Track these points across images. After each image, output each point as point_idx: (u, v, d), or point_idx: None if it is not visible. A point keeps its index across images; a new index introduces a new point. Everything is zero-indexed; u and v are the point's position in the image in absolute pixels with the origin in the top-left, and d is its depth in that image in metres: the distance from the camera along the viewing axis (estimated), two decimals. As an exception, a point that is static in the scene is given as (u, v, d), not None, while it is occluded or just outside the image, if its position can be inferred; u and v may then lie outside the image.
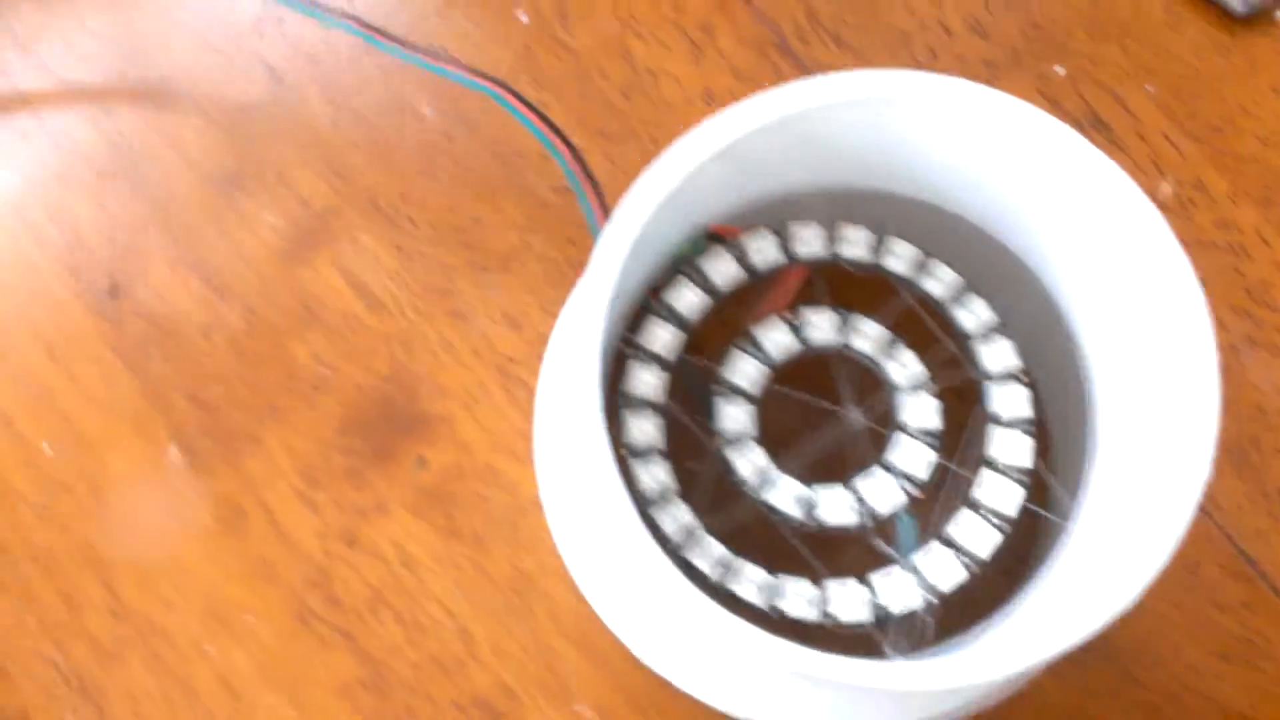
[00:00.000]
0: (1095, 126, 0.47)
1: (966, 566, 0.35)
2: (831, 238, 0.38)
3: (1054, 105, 0.48)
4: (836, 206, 0.38)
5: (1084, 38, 0.48)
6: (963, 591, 0.36)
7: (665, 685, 0.41)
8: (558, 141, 0.40)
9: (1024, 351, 0.36)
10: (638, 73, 0.48)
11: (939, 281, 0.37)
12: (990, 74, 0.46)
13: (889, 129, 0.35)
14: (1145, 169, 0.47)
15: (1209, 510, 0.43)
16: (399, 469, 0.45)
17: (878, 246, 0.38)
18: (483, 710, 0.42)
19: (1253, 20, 0.48)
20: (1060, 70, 0.48)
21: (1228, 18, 0.48)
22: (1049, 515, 0.36)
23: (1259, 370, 0.44)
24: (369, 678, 0.43)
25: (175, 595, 0.44)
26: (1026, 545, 0.38)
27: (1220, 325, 0.43)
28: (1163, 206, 0.43)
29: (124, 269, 0.48)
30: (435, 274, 0.47)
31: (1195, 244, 0.45)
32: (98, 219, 0.48)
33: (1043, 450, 0.40)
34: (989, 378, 0.36)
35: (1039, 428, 0.36)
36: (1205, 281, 0.43)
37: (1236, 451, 0.43)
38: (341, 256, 0.47)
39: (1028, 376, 0.36)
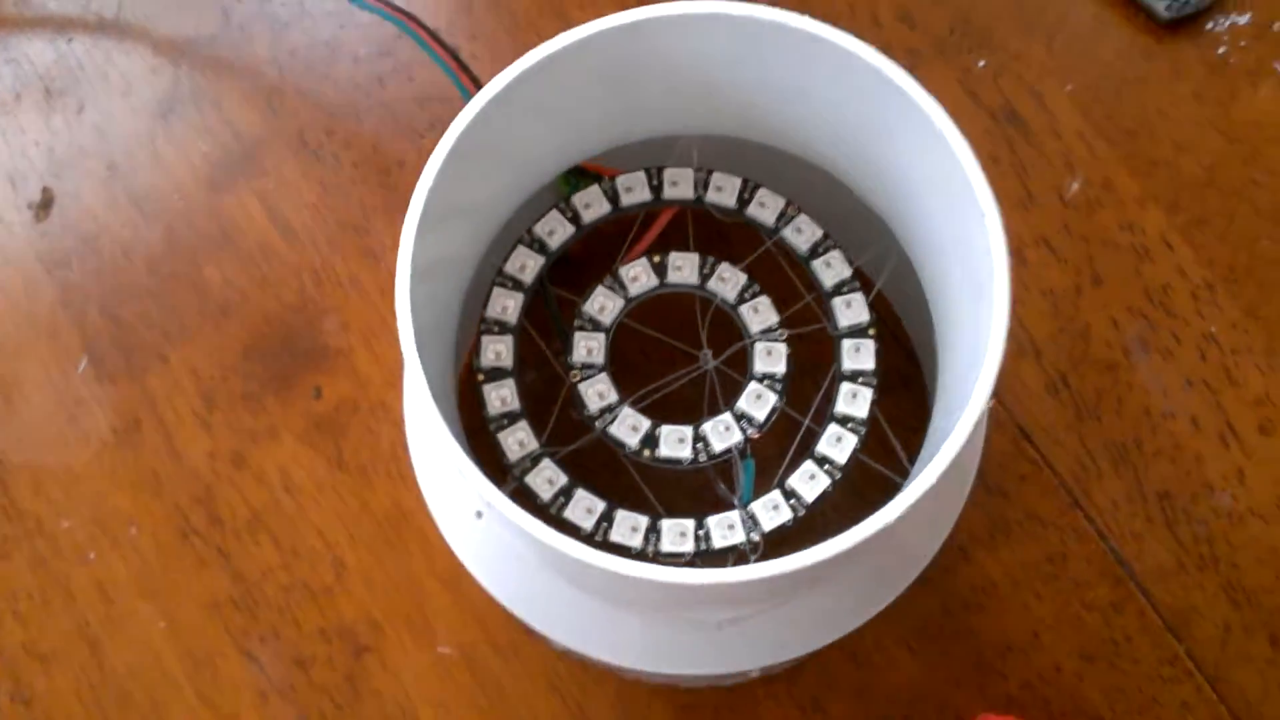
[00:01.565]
0: (1010, 120, 0.46)
1: (794, 509, 0.33)
2: (704, 184, 0.36)
3: (972, 96, 0.46)
4: (718, 156, 0.37)
5: (1010, 34, 0.47)
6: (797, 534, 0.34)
7: (526, 629, 0.40)
8: (466, 80, 0.39)
9: (892, 305, 0.35)
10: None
11: (801, 234, 0.36)
12: (912, 61, 0.44)
13: (736, 69, 0.33)
14: (1056, 165, 0.45)
15: (1083, 506, 0.41)
16: (295, 397, 0.44)
17: (746, 196, 0.36)
18: (346, 641, 0.41)
19: (1178, 27, 0.46)
20: (982, 64, 0.46)
21: (1154, 24, 0.46)
22: (879, 467, 0.35)
23: (1149, 373, 0.43)
24: (240, 597, 0.42)
25: (65, 500, 0.43)
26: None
27: (1114, 325, 0.42)
28: (1069, 204, 0.42)
29: (59, 183, 0.47)
30: (354, 211, 0.46)
31: (1098, 242, 0.43)
32: (41, 133, 0.47)
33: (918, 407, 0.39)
34: (840, 332, 0.35)
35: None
36: (1103, 280, 0.42)
37: (1118, 451, 0.42)
38: (265, 187, 0.46)
39: (876, 331, 0.35)
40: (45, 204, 0.46)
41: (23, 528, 0.43)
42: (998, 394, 0.43)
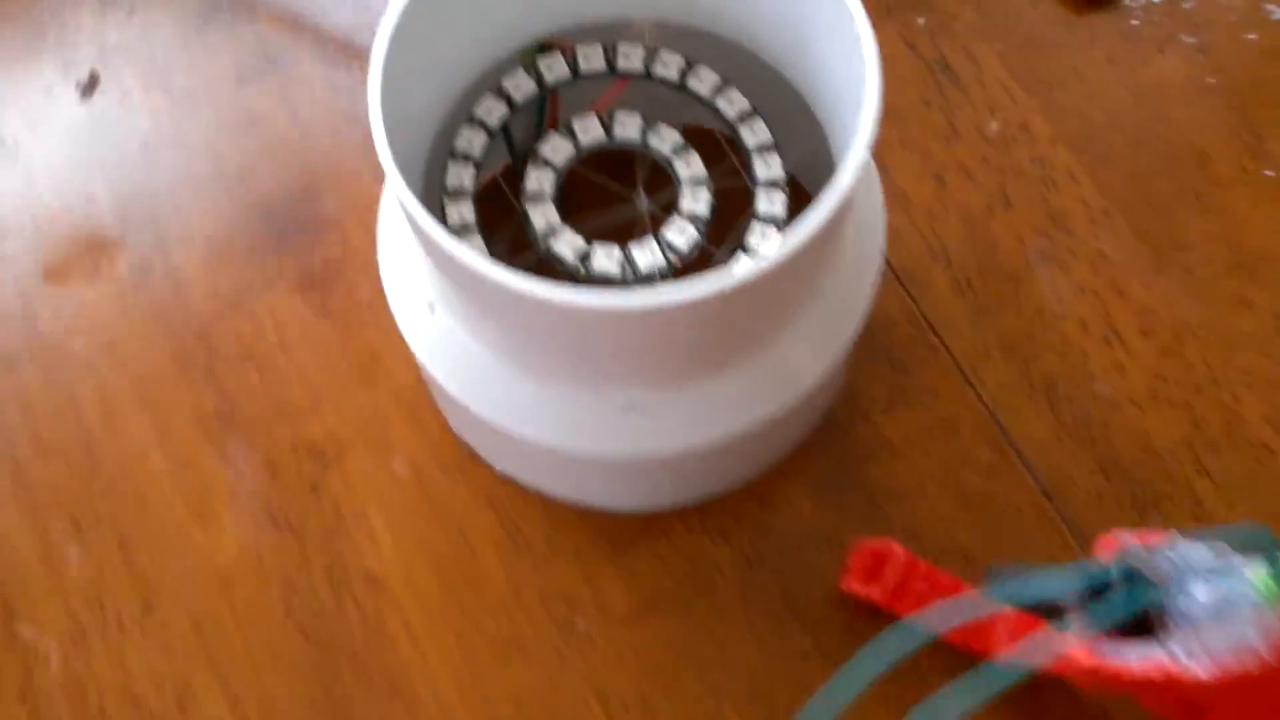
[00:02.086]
0: (942, 70, 0.51)
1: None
2: (651, 59, 0.42)
3: (910, 48, 0.52)
4: (666, 38, 0.42)
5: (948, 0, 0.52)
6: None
7: (473, 454, 0.44)
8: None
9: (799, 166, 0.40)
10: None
11: (731, 104, 0.41)
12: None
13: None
14: (979, 109, 0.50)
15: (974, 384, 0.46)
16: (290, 254, 0.49)
17: (686, 71, 0.42)
18: (311, 453, 0.46)
19: (1099, 3, 0.52)
20: (921, 22, 0.52)
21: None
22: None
23: (1046, 280, 0.47)
24: (224, 412, 0.47)
25: (81, 322, 0.48)
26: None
27: (1019, 241, 0.47)
28: (988, 140, 0.48)
29: (105, 70, 0.53)
30: (359, 108, 0.51)
31: (1011, 173, 0.48)
32: (94, 30, 0.54)
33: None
34: (757, 183, 0.40)
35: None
36: (1013, 204, 0.47)
37: (1011, 343, 0.46)
38: (285, 86, 0.52)
39: (789, 186, 0.40)
40: (91, 85, 0.53)
41: (39, 344, 0.48)
42: (909, 291, 0.48)
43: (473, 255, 0.33)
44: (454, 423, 0.46)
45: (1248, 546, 0.33)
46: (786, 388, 0.39)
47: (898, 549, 0.41)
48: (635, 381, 0.38)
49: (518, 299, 0.32)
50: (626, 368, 0.37)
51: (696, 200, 0.40)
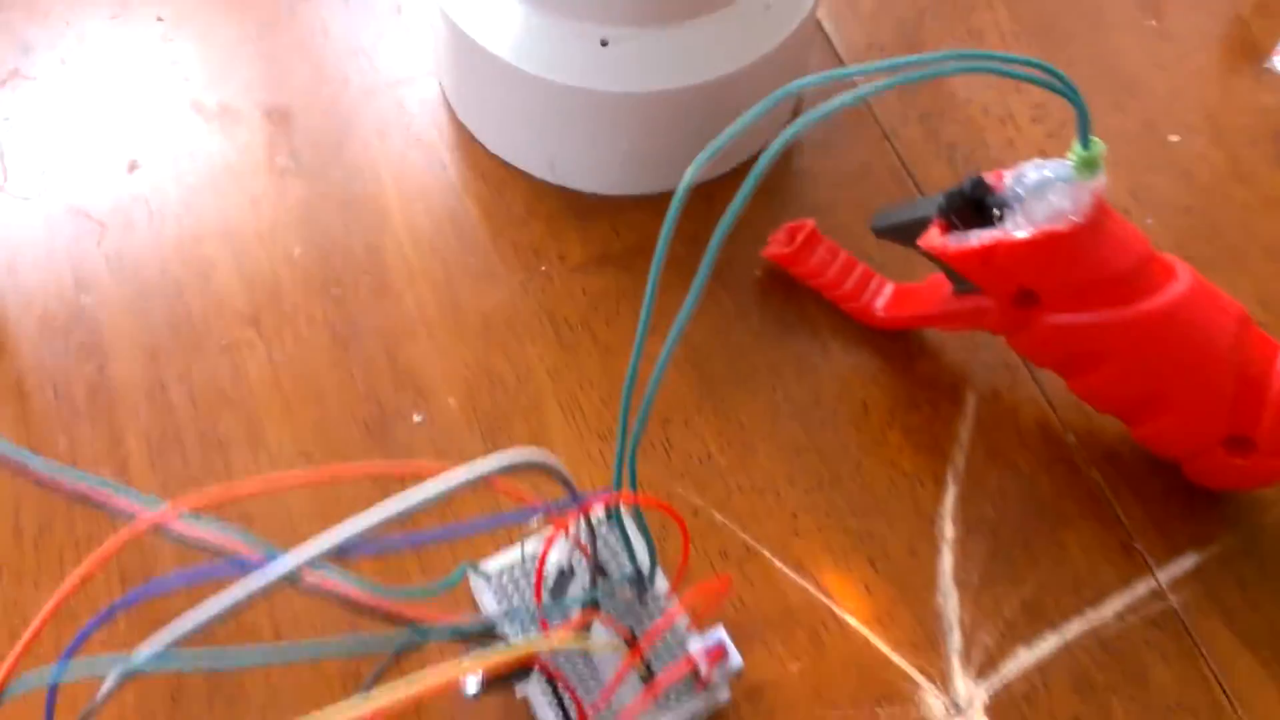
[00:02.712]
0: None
1: None
2: None
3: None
4: None
5: None
6: None
7: (471, 137, 0.54)
8: None
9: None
10: None
11: None
12: None
13: None
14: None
15: (890, 141, 0.56)
16: None
17: None
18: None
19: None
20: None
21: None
22: None
23: (960, 79, 0.57)
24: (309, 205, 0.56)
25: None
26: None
27: (940, 47, 0.57)
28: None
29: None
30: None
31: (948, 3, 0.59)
32: None
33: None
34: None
35: None
36: (940, 18, 0.57)
37: (924, 115, 0.56)
38: None
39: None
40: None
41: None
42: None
43: None
44: (454, 99, 0.55)
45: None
46: (751, 45, 0.49)
47: (810, 224, 0.50)
48: (613, 17, 0.47)
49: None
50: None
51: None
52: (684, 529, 0.44)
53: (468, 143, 0.55)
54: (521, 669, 0.37)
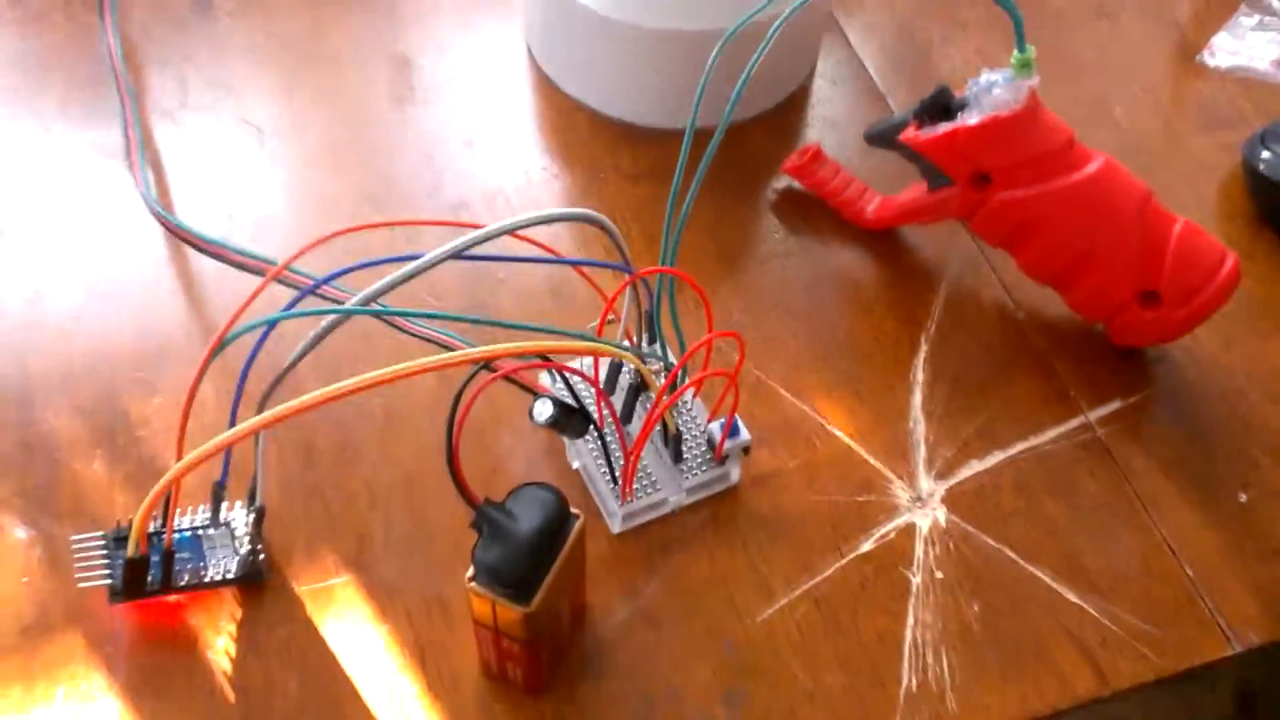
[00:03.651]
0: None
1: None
2: None
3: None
4: None
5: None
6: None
7: (548, 79, 0.67)
8: None
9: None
10: None
11: None
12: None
13: None
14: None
15: (887, 99, 0.68)
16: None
17: None
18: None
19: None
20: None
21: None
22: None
23: (942, 50, 0.70)
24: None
25: None
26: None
27: (930, 31, 0.70)
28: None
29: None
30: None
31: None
32: None
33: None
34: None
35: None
36: None
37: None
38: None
39: None
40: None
41: None
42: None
43: None
44: (537, 49, 0.68)
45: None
46: None
47: (816, 145, 0.63)
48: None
49: None
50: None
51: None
52: (704, 299, 0.56)
53: (544, 85, 0.68)
54: (581, 418, 0.48)
